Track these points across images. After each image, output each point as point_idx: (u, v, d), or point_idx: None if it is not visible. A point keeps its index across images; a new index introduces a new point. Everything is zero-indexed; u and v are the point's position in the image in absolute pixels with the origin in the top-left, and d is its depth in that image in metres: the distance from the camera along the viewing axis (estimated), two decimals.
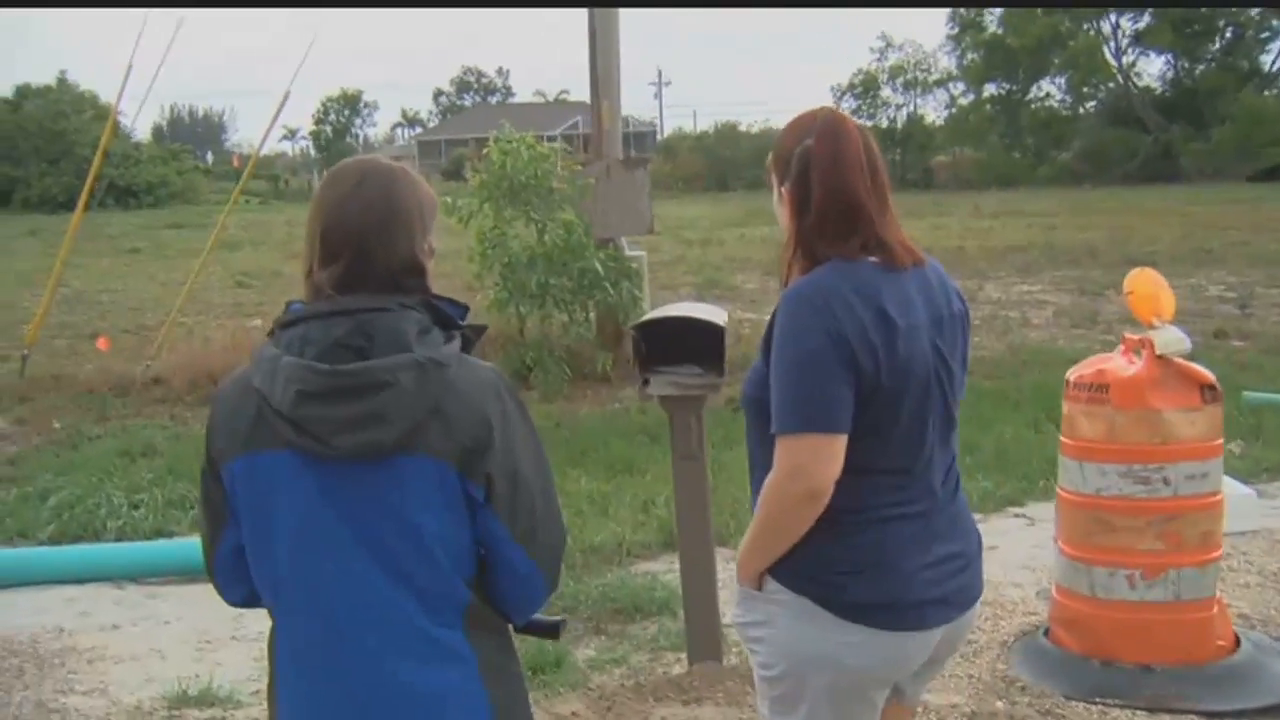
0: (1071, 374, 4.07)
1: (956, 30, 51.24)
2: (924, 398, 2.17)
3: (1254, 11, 48.90)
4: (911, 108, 55.01)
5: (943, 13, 51.72)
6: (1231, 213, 26.02)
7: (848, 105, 53.30)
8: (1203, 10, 47.83)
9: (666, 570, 5.55)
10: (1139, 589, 3.85)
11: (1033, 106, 51.74)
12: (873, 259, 2.17)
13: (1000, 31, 49.40)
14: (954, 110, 53.19)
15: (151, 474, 7.17)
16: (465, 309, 1.86)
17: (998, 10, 49.65)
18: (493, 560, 1.81)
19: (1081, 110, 52.09)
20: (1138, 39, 50.01)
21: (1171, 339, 3.86)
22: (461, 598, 1.79)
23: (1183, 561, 3.85)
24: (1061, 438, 4.10)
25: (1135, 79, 51.37)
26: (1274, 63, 50.54)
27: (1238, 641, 4.05)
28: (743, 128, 56.53)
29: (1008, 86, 51.37)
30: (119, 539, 6.06)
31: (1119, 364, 3.97)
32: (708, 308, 4.20)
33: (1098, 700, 3.81)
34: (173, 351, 10.49)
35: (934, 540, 2.21)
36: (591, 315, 9.91)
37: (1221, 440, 3.96)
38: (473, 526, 1.78)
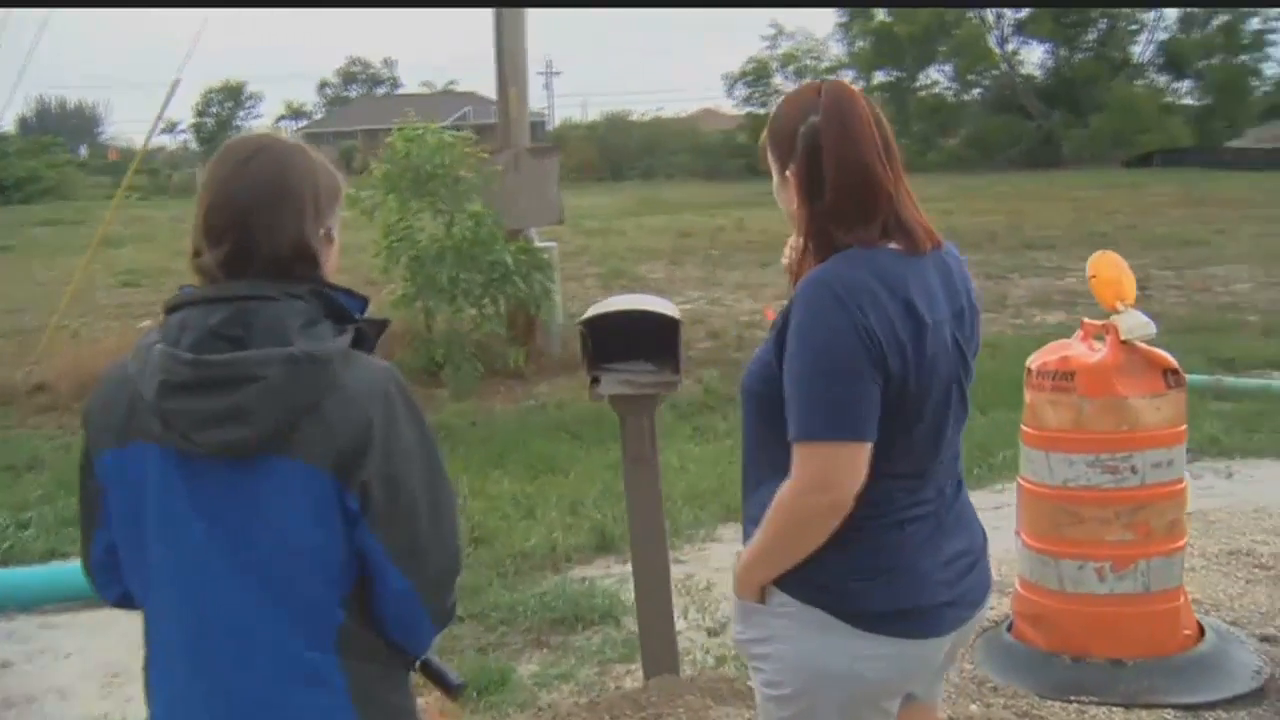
0: (1033, 362, 3.93)
1: (846, 18, 51.85)
2: (945, 398, 2.00)
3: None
4: None
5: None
6: (1115, 197, 26.74)
7: (740, 93, 53.67)
8: None
9: (603, 575, 5.32)
10: (1109, 581, 3.73)
11: (920, 94, 52.62)
12: (894, 245, 1.97)
13: (889, 19, 50.11)
14: None
15: (40, 490, 6.69)
16: (364, 301, 1.72)
17: None
18: (371, 579, 1.64)
19: (967, 97, 53.17)
20: (1020, 28, 51.23)
21: (1136, 324, 3.75)
22: (334, 617, 1.63)
23: (1151, 551, 3.74)
24: (1024, 427, 3.96)
25: (1018, 67, 52.63)
26: (1141, 54, 52.34)
27: (1201, 630, 3.96)
28: (635, 117, 56.44)
29: (896, 74, 52.16)
30: (6, 564, 5.59)
31: (1081, 350, 3.85)
32: (654, 299, 3.95)
33: (1073, 699, 3.67)
34: (57, 356, 9.87)
35: (944, 539, 2.05)
36: (502, 309, 9.61)
37: (1185, 426, 3.86)
38: (349, 540, 1.61)
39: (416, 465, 1.64)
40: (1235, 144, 45.28)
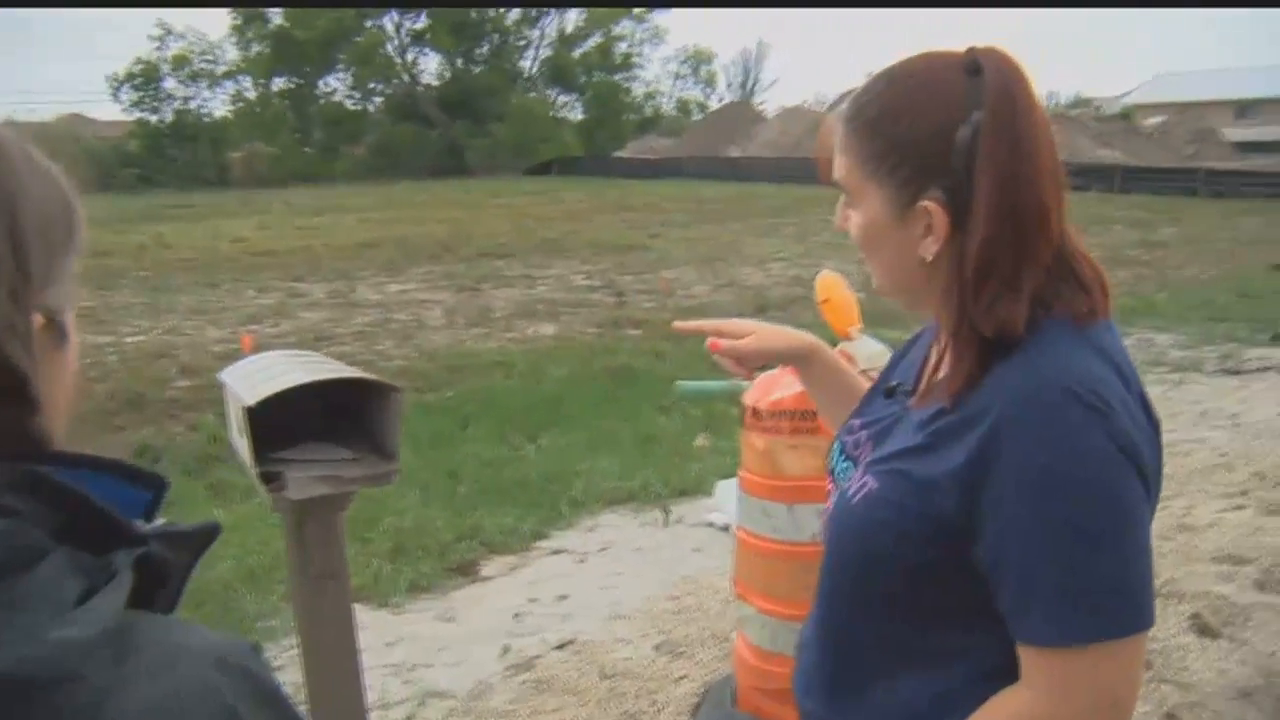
0: (755, 401, 3.44)
1: (240, 21, 49.42)
2: None
3: (510, 19, 53.42)
4: (199, 100, 52.18)
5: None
6: (539, 204, 27.77)
7: (127, 97, 49.09)
8: (471, 15, 51.06)
9: None
10: None
11: (322, 101, 51.67)
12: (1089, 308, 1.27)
13: (287, 23, 48.52)
14: (243, 104, 51.32)
15: None
16: (156, 487, 0.81)
17: None
18: None
19: (370, 106, 53.11)
20: (418, 38, 52.06)
21: (874, 352, 3.38)
22: None
23: None
24: (750, 475, 3.47)
25: (419, 77, 53.49)
26: (531, 68, 55.65)
27: None
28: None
29: (296, 80, 50.71)
30: None
31: None
32: (328, 363, 2.92)
33: None
34: None
35: None
36: None
37: None
38: None
39: None
40: (619, 154, 49.50)
